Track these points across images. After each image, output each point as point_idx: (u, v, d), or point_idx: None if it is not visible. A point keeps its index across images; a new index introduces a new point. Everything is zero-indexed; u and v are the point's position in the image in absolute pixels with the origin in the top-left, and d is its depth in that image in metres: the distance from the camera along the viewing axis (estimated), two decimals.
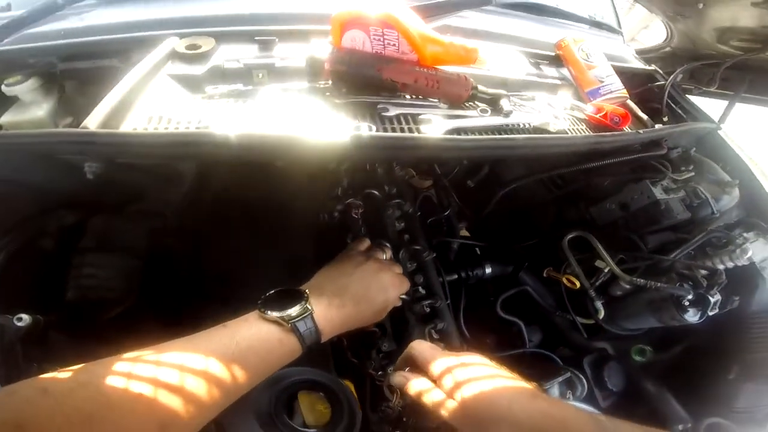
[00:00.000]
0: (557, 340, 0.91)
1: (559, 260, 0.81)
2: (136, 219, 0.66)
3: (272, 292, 0.50)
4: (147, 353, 0.38)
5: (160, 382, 0.35)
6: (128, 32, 0.68)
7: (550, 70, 0.80)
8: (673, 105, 0.98)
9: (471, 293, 0.87)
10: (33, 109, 0.69)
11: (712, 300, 0.72)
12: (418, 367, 0.49)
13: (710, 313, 0.73)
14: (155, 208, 0.69)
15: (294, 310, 0.47)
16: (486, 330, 0.86)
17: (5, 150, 0.53)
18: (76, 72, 0.71)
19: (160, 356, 0.38)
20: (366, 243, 0.66)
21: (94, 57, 0.69)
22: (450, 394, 0.44)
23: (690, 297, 0.72)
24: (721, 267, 0.76)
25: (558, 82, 0.78)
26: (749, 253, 0.75)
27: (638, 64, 1.08)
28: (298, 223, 0.76)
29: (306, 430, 0.57)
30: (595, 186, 0.83)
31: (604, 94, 0.73)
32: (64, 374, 0.33)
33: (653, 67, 1.08)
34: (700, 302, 0.73)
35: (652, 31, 2.25)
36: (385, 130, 0.55)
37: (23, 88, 0.68)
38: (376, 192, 0.75)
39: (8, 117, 0.68)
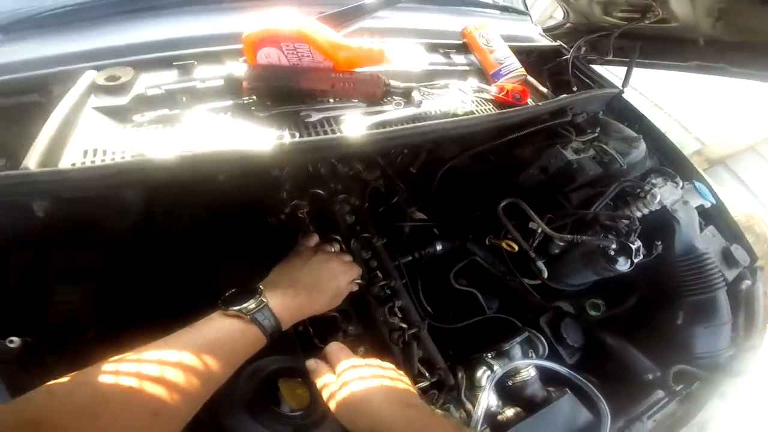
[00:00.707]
0: (515, 304, 1.06)
1: (499, 228, 0.96)
2: (94, 247, 0.74)
3: (230, 291, 0.62)
4: (129, 355, 0.48)
5: (145, 376, 0.45)
6: (44, 67, 0.75)
7: (458, 58, 0.98)
8: (580, 75, 1.19)
9: (429, 271, 1.00)
10: None
11: (633, 247, 0.88)
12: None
13: (636, 260, 0.89)
14: (108, 235, 0.77)
15: (251, 303, 0.59)
16: (448, 303, 1.00)
17: None
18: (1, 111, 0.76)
19: (141, 355, 0.47)
20: (314, 238, 0.79)
21: (16, 94, 0.75)
22: (338, 388, 0.58)
23: (614, 246, 0.88)
24: (637, 214, 0.95)
25: (467, 68, 0.96)
26: (658, 198, 0.94)
27: (545, 42, 1.29)
28: (249, 232, 0.86)
29: (291, 414, 0.66)
30: (519, 156, 1.00)
31: (505, 74, 0.91)
32: (64, 379, 0.43)
33: (558, 43, 1.29)
34: (625, 250, 0.89)
35: None
36: (309, 134, 0.68)
37: None
38: (320, 191, 0.87)
39: None
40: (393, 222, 1.01)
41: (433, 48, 0.97)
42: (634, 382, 0.94)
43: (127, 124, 0.67)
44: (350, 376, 0.60)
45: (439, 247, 1.00)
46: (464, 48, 1.01)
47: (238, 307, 0.58)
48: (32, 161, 0.55)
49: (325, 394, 0.60)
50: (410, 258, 0.98)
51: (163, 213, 0.80)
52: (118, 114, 0.69)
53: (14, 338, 0.57)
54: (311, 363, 0.64)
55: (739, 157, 3.29)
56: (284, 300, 0.63)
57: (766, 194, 3.18)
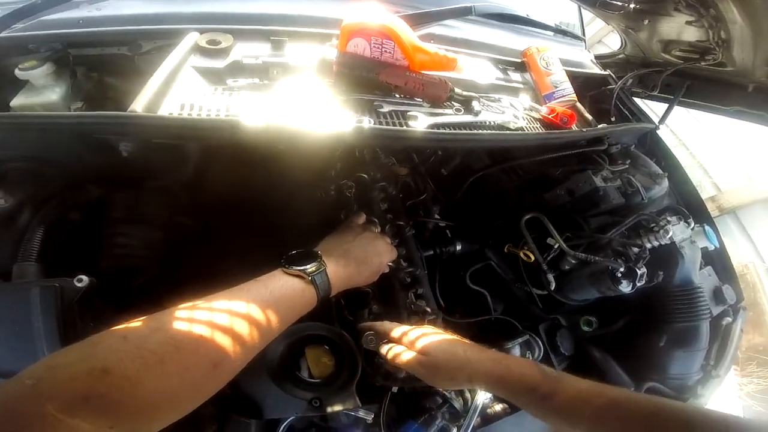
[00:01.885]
0: (517, 310, 1.16)
1: (518, 238, 1.05)
2: (155, 194, 0.81)
3: (291, 252, 0.66)
4: (200, 303, 0.49)
5: (215, 325, 0.46)
6: (143, 24, 0.83)
7: (515, 75, 1.06)
8: (621, 106, 1.27)
9: (445, 268, 1.10)
10: (46, 93, 0.81)
11: (639, 272, 0.98)
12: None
13: (638, 284, 0.99)
14: (168, 185, 0.85)
15: (312, 266, 0.64)
16: (458, 300, 1.10)
17: (43, 129, 0.63)
18: (86, 59, 0.84)
19: (212, 304, 0.49)
20: (362, 217, 0.87)
21: (103, 45, 0.83)
22: (410, 347, 0.66)
23: (622, 270, 0.97)
24: (648, 245, 1.04)
25: (521, 86, 1.03)
26: (670, 234, 1.03)
27: (595, 69, 1.36)
28: (301, 201, 0.95)
29: (312, 380, 0.71)
30: (548, 175, 1.08)
31: (557, 98, 0.99)
32: (137, 323, 0.43)
33: (608, 72, 1.36)
34: (630, 274, 0.99)
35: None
36: (380, 123, 0.76)
37: (37, 72, 0.80)
38: (365, 175, 0.95)
39: (20, 100, 0.80)
40: (418, 216, 1.10)
41: (494, 63, 1.04)
42: None
43: (220, 87, 0.75)
44: (413, 335, 0.68)
45: (459, 247, 1.10)
46: (521, 66, 1.08)
47: (301, 268, 0.63)
48: (139, 105, 0.63)
49: (390, 355, 0.67)
50: (431, 252, 1.07)
51: (215, 178, 0.88)
52: (213, 76, 0.77)
53: (83, 276, 0.56)
54: (368, 325, 0.73)
55: (749, 208, 3.35)
56: (337, 268, 0.68)
57: (765, 247, 3.27)
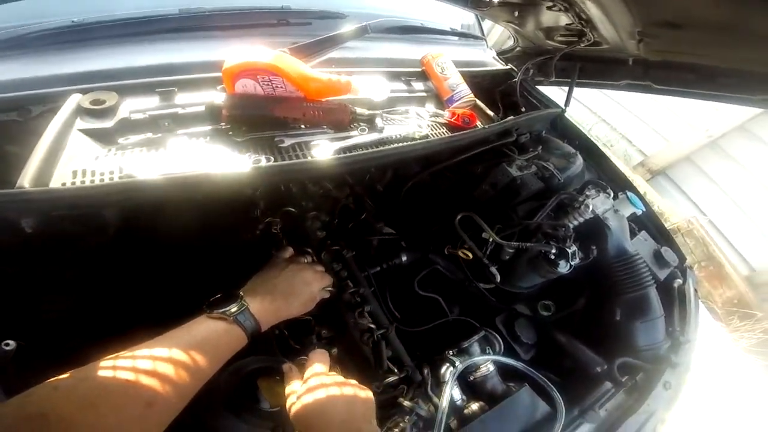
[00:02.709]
0: (474, 309, 1.17)
1: (457, 239, 1.07)
2: (77, 259, 0.77)
3: (214, 297, 0.69)
4: (124, 353, 0.52)
5: (140, 370, 0.50)
6: (26, 89, 0.78)
7: (418, 85, 1.10)
8: (528, 96, 1.34)
9: (398, 281, 1.10)
10: None
11: (570, 251, 1.01)
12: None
13: (574, 263, 1.02)
14: (88, 250, 0.79)
15: (233, 307, 0.66)
16: (415, 309, 1.11)
17: None
18: None
19: (135, 353, 0.52)
20: (288, 251, 0.87)
21: None
22: (298, 397, 0.64)
23: (553, 251, 1.01)
24: (574, 223, 1.08)
25: (425, 94, 1.08)
26: (591, 208, 1.08)
27: (497, 65, 1.44)
28: (227, 246, 0.92)
29: (271, 410, 0.72)
30: (472, 173, 1.12)
31: (457, 100, 1.03)
32: (65, 375, 0.47)
33: (509, 66, 1.43)
34: (563, 254, 1.02)
35: None
36: (283, 158, 0.76)
37: None
38: (292, 209, 0.96)
39: None
40: (362, 236, 1.11)
41: (395, 76, 1.08)
42: (585, 376, 1.05)
43: (113, 147, 0.73)
44: (315, 388, 0.64)
45: (404, 258, 1.11)
46: (423, 75, 1.12)
47: (222, 310, 0.65)
48: (27, 180, 0.61)
49: (288, 402, 0.65)
50: (378, 268, 1.08)
51: (141, 230, 0.84)
52: (103, 137, 0.74)
53: (10, 341, 0.60)
54: (286, 367, 0.71)
55: (677, 167, 3.61)
56: (262, 304, 0.70)
57: (701, 200, 3.51)
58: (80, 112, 0.76)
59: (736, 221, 3.30)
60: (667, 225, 3.09)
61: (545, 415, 0.89)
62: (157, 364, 0.52)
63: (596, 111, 3.97)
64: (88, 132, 0.74)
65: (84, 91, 0.78)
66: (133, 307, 0.81)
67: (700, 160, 3.54)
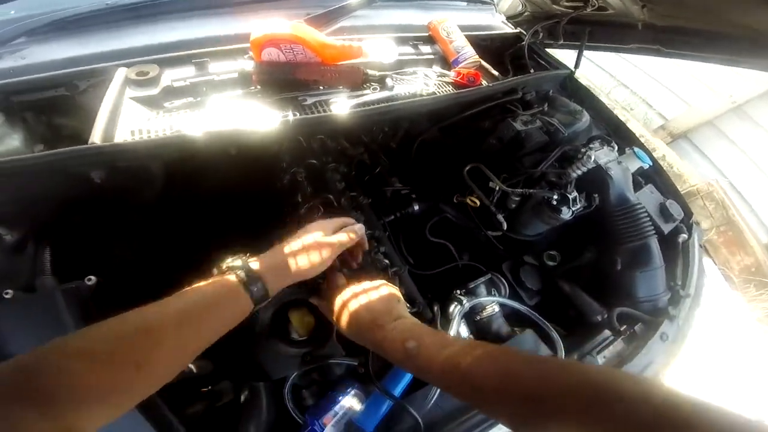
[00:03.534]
0: (483, 256, 1.25)
1: (465, 188, 1.15)
2: (137, 209, 0.91)
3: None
4: (131, 312, 0.50)
5: (138, 329, 0.48)
6: (72, 66, 0.90)
7: (425, 48, 1.18)
8: (537, 59, 1.39)
9: (411, 230, 1.19)
10: (6, 141, 0.88)
11: (570, 196, 1.09)
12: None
13: (575, 208, 1.10)
14: (147, 200, 0.93)
15: (233, 261, 0.63)
16: (427, 256, 1.19)
17: (20, 173, 0.69)
18: (31, 104, 0.91)
19: (142, 311, 0.50)
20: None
21: (42, 89, 0.90)
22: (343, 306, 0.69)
23: (555, 197, 1.09)
24: (578, 172, 1.15)
25: (432, 56, 1.16)
26: (593, 158, 1.14)
27: (506, 29, 1.49)
28: (259, 193, 1.04)
29: (302, 338, 0.79)
30: (480, 129, 1.20)
31: (462, 62, 1.11)
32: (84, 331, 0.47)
33: (518, 30, 1.48)
34: (564, 201, 1.10)
35: None
36: (306, 114, 0.87)
37: None
38: (314, 161, 1.05)
39: None
40: (377, 188, 1.20)
41: (404, 41, 1.16)
42: (586, 324, 1.09)
43: (161, 110, 0.86)
44: (353, 296, 0.69)
45: (416, 208, 1.20)
46: (430, 39, 1.20)
47: (225, 266, 0.62)
48: (97, 138, 0.73)
49: (328, 309, 0.71)
50: (392, 217, 1.17)
51: (181, 184, 0.96)
52: (151, 102, 0.87)
53: (92, 276, 0.68)
54: (314, 300, 0.75)
55: (698, 131, 3.54)
56: (264, 262, 0.65)
57: (724, 165, 3.44)
58: (128, 83, 0.88)
59: (758, 187, 3.23)
60: (686, 186, 3.08)
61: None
62: (152, 324, 0.50)
63: (615, 75, 3.90)
64: (138, 99, 0.86)
65: (128, 66, 0.90)
66: (183, 251, 0.92)
67: (723, 125, 3.44)
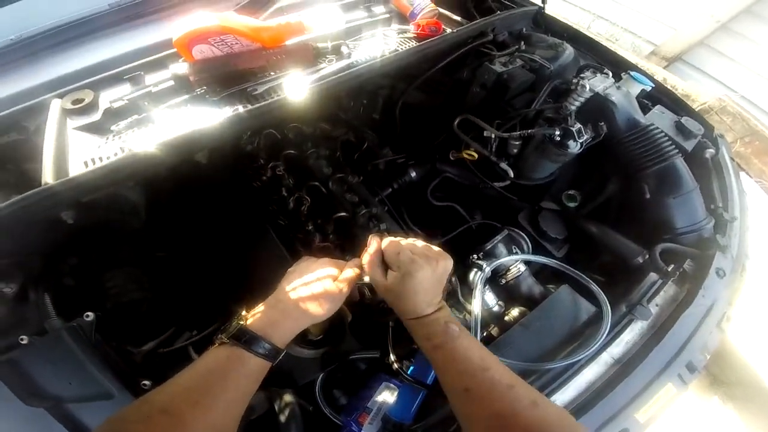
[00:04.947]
0: (497, 211, 1.13)
1: (460, 144, 1.06)
2: (124, 240, 0.87)
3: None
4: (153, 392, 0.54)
5: (155, 410, 0.51)
6: (6, 109, 0.83)
7: (378, 8, 1.11)
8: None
9: (414, 198, 1.09)
10: None
11: (574, 129, 0.97)
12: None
13: (582, 140, 0.98)
14: (130, 229, 0.88)
15: (230, 328, 0.60)
16: (435, 223, 1.09)
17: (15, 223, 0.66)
18: None
19: (158, 394, 0.53)
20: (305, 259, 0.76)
21: None
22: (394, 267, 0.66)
23: (558, 132, 0.98)
24: (576, 104, 1.05)
25: (387, 15, 1.08)
26: (588, 87, 1.03)
27: None
28: (243, 196, 0.97)
29: (318, 339, 0.76)
30: (461, 80, 1.10)
31: (418, 13, 1.02)
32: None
33: None
34: (568, 134, 0.98)
35: None
36: (260, 104, 0.78)
37: None
38: (291, 151, 0.97)
39: None
40: (370, 164, 1.11)
41: (354, 5, 1.09)
42: (626, 269, 0.97)
43: (108, 135, 0.79)
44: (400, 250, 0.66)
45: (413, 174, 1.10)
46: None
47: (219, 339, 0.60)
48: (48, 177, 0.67)
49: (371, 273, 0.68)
50: (390, 189, 1.07)
51: (166, 203, 0.92)
52: (97, 129, 0.80)
53: (89, 313, 0.67)
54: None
55: (692, 52, 3.40)
56: (267, 317, 0.63)
57: (727, 80, 3.29)
58: (66, 113, 0.82)
59: None
60: (696, 105, 2.92)
61: (590, 314, 0.83)
62: (166, 407, 0.52)
63: (590, 9, 3.80)
64: (81, 128, 0.80)
65: (60, 96, 0.84)
66: (183, 272, 0.89)
67: (714, 43, 3.32)
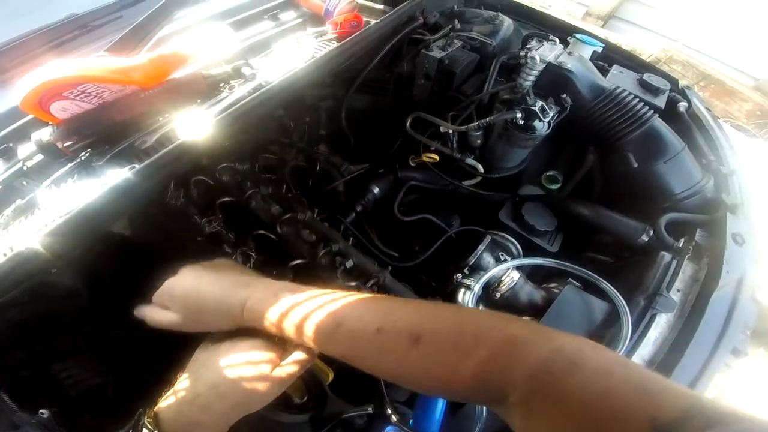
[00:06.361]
0: (477, 212, 1.01)
1: (417, 145, 0.94)
2: (67, 326, 0.75)
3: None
4: None
5: None
6: None
7: (287, 15, 0.96)
8: None
9: (384, 217, 0.97)
10: None
11: (536, 108, 0.86)
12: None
13: (549, 118, 0.87)
14: (77, 312, 0.76)
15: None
16: (412, 240, 0.96)
17: None
18: None
19: None
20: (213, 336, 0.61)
21: None
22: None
23: (519, 115, 0.86)
24: (530, 80, 0.92)
25: (300, 20, 0.94)
26: (538, 58, 0.91)
27: None
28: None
29: (302, 402, 0.68)
30: (402, 74, 0.99)
31: (333, 10, 0.88)
32: None
33: None
34: (531, 114, 0.86)
35: None
36: (151, 156, 0.61)
37: None
38: (227, 198, 0.81)
39: None
40: (324, 188, 0.96)
41: (257, 17, 0.94)
42: (634, 251, 0.87)
43: None
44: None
45: (376, 190, 0.96)
46: (290, 3, 0.98)
47: None
48: None
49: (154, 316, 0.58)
50: (354, 215, 0.93)
51: (107, 279, 0.79)
52: None
53: (44, 410, 0.58)
54: None
55: (624, 8, 3.45)
56: (180, 417, 0.49)
57: (665, 30, 3.33)
58: None
59: (712, 40, 3.11)
60: (645, 59, 2.94)
61: (605, 312, 0.73)
62: None
63: None
64: None
65: None
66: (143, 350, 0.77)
67: None
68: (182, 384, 0.53)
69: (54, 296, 0.69)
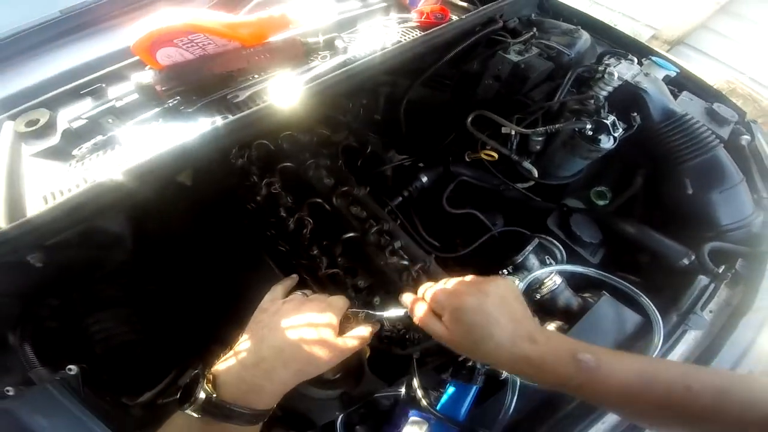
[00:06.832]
0: (521, 215, 1.02)
1: (475, 143, 0.95)
2: (107, 277, 0.76)
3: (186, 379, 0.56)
4: None
5: None
6: None
7: None
8: None
9: (428, 206, 0.99)
10: None
11: (607, 121, 0.87)
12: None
13: (617, 134, 0.87)
14: (116, 265, 0.77)
15: (197, 397, 0.47)
16: (454, 233, 0.98)
17: None
18: None
19: None
20: (278, 290, 0.64)
21: None
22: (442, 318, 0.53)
23: (589, 126, 0.87)
24: (602, 94, 0.94)
25: (385, 4, 0.96)
26: (616, 74, 0.93)
27: None
28: (237, 220, 0.86)
29: (334, 378, 0.70)
30: (469, 72, 0.99)
31: (421, 0, 0.90)
32: None
33: None
34: (601, 127, 0.87)
35: None
36: (242, 112, 0.65)
37: None
38: (288, 164, 0.84)
39: None
40: (374, 170, 0.99)
41: None
42: (670, 272, 0.89)
43: (70, 160, 0.67)
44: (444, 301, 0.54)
45: (425, 179, 0.98)
46: None
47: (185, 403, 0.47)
48: (1, 220, 0.56)
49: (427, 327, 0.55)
50: (400, 198, 0.95)
51: (153, 232, 0.81)
52: (56, 154, 0.68)
53: (72, 366, 0.60)
54: (404, 299, 0.61)
55: (695, 35, 3.33)
56: (242, 383, 0.49)
57: (732, 62, 3.21)
58: (20, 138, 0.70)
59: None
60: None
61: (637, 326, 0.76)
62: None
63: None
64: (39, 154, 0.69)
65: (12, 117, 0.72)
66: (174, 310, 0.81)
67: (716, 25, 3.25)
68: (244, 345, 0.52)
69: (102, 242, 0.71)
